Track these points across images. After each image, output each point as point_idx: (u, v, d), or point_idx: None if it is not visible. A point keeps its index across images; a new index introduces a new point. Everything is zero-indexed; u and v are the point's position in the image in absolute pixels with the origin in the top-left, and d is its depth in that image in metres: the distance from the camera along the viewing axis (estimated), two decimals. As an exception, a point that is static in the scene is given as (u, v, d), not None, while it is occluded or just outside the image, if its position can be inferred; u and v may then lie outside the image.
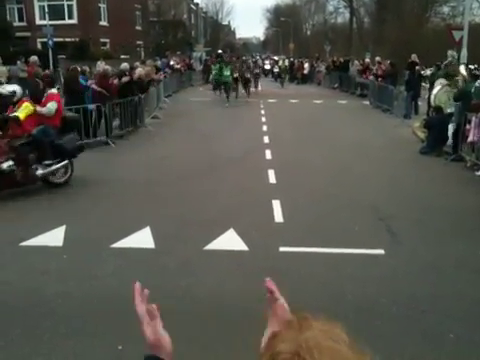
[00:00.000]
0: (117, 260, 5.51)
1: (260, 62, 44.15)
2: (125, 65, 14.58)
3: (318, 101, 21.96)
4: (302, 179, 8.97)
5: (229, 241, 6.03)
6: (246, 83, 22.79)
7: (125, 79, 13.39)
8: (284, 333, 0.84)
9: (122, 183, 8.74)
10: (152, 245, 5.92)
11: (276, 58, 41.51)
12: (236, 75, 22.17)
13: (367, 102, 21.00)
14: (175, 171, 9.59)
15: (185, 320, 4.24)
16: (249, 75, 23.66)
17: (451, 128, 11.00)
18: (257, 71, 26.36)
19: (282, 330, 0.86)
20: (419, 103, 16.92)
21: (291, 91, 26.82)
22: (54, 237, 6.05)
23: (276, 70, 33.94)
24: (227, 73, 21.26)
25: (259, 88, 26.14)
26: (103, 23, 39.09)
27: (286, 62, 34.67)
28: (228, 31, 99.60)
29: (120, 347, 3.92)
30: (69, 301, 4.62)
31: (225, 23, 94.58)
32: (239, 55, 42.02)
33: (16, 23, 37.59)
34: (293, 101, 22.32)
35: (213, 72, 23.36)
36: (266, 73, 40.45)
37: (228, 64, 22.39)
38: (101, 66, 15.66)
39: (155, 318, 1.15)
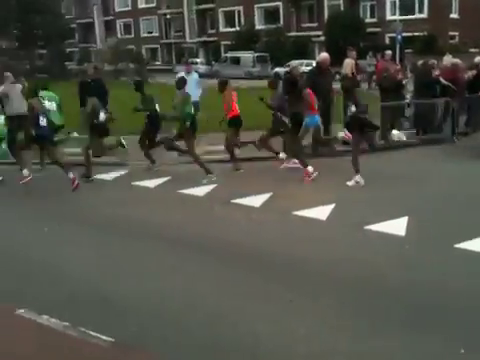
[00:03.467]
0: (463, 261, 5.28)
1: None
2: (479, 59, 13.68)
3: None
4: None
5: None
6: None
7: (470, 73, 12.57)
8: None
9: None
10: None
11: None
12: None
13: None
14: None
15: (437, 315, 4.05)
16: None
17: None
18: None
19: None
20: None
21: None
22: (397, 226, 6.21)
23: None
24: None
25: None
26: (454, 16, 37.55)
27: None
28: None
29: (462, 351, 3.75)
30: (413, 291, 4.67)
31: None
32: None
33: (367, 19, 39.54)
34: None
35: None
36: None
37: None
38: (447, 60, 15.06)
39: None
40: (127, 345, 3.95)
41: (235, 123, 9.38)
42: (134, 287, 4.94)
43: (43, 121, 8.64)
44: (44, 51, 46.08)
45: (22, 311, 4.46)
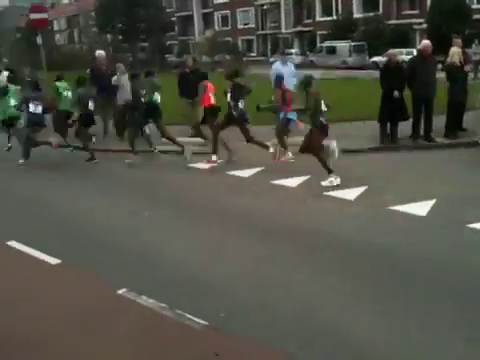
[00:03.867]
0: None
1: None
2: None
3: None
4: None
5: None
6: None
7: None
8: None
9: None
10: None
11: None
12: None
13: None
14: None
15: None
16: None
17: None
18: None
19: None
20: None
21: None
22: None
23: None
24: None
25: None
26: None
27: None
28: None
29: None
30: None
31: None
32: None
33: (474, 5, 37.26)
34: None
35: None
36: None
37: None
38: None
39: None
40: (219, 329, 4.05)
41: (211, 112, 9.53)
42: (227, 273, 5.05)
43: (36, 108, 9.47)
44: (146, 44, 48.11)
45: (123, 291, 4.72)
